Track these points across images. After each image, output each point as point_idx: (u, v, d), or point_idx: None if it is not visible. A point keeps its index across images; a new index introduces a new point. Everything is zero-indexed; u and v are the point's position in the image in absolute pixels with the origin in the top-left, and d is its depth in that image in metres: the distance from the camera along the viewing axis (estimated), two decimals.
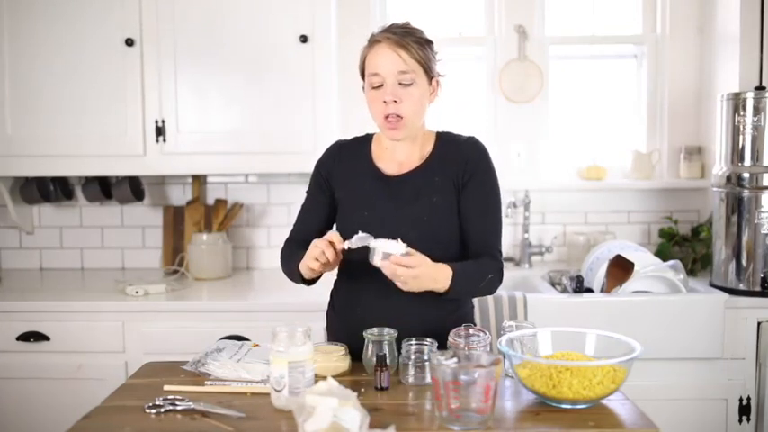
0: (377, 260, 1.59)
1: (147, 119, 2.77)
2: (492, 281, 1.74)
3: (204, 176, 3.15)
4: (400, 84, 1.68)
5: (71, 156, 2.79)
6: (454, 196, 1.76)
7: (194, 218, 3.02)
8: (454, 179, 1.76)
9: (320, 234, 1.76)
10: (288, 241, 1.90)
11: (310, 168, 2.72)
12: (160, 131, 2.77)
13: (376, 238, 1.61)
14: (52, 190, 3.06)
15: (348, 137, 1.93)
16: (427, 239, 1.70)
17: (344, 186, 1.82)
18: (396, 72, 1.68)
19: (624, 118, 3.27)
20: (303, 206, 1.90)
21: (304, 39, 2.72)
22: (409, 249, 1.59)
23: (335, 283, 1.92)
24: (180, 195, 3.17)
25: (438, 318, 1.76)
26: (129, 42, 2.73)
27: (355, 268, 1.77)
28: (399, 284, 1.61)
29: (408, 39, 1.69)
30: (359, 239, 1.62)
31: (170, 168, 2.82)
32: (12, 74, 2.77)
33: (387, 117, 1.70)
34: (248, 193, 3.17)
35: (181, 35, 2.74)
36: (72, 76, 2.76)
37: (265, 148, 2.77)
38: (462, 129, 1.91)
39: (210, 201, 3.15)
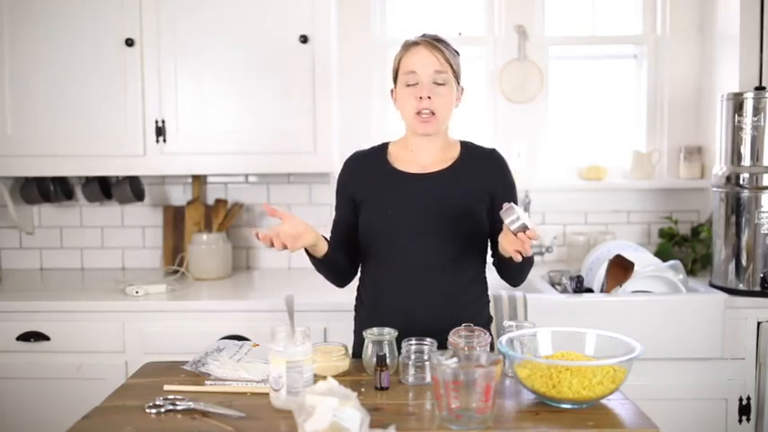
0: (514, 227, 1.60)
1: (147, 119, 2.77)
2: (532, 264, 1.87)
3: (204, 176, 3.15)
4: (435, 83, 1.79)
5: (71, 156, 2.79)
6: (480, 202, 1.85)
7: (194, 218, 3.02)
8: (485, 188, 1.86)
9: (351, 238, 1.90)
10: None
11: (310, 168, 2.77)
12: (160, 131, 2.77)
13: (410, 232, 1.79)
14: (52, 190, 3.06)
15: (365, 146, 2.00)
16: (450, 237, 1.81)
17: (365, 190, 1.88)
18: (432, 72, 1.78)
19: (624, 118, 3.27)
20: (334, 220, 1.96)
21: (304, 39, 2.72)
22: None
23: (360, 281, 1.96)
24: (180, 195, 3.17)
25: (452, 313, 1.81)
26: (129, 42, 2.73)
27: (379, 267, 1.86)
28: (517, 254, 1.64)
29: (442, 44, 1.82)
30: (506, 212, 1.61)
31: (170, 168, 2.82)
32: (12, 74, 2.76)
33: (419, 113, 1.79)
34: (248, 193, 3.17)
35: (181, 35, 2.74)
36: (72, 76, 2.76)
37: (265, 148, 2.77)
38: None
39: (210, 201, 3.15)
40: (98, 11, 2.73)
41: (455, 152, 1.90)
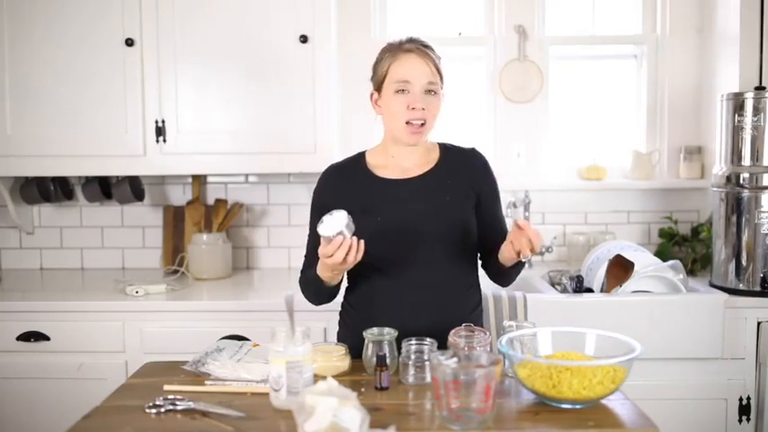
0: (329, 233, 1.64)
1: (147, 119, 2.77)
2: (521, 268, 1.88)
3: (204, 176, 3.15)
4: (427, 92, 1.78)
5: (71, 156, 2.79)
6: (468, 200, 1.85)
7: (194, 218, 3.02)
8: (470, 185, 1.86)
9: None
10: (302, 272, 1.94)
11: (310, 168, 2.76)
12: (160, 131, 2.77)
13: (401, 236, 1.78)
14: (52, 190, 3.06)
15: (340, 158, 2.00)
16: (443, 235, 1.80)
17: (350, 200, 1.83)
18: (426, 81, 1.78)
19: (624, 118, 3.27)
20: (310, 236, 1.93)
21: (304, 39, 2.72)
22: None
23: (346, 290, 1.96)
24: (180, 195, 3.17)
25: (451, 317, 1.79)
26: (129, 42, 2.73)
27: (368, 271, 1.83)
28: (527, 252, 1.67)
29: (430, 51, 1.82)
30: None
31: (170, 168, 2.82)
32: (12, 74, 2.76)
33: (409, 122, 1.78)
34: (248, 193, 3.17)
35: (181, 35, 2.74)
36: (72, 75, 2.76)
37: (265, 148, 2.77)
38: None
39: (210, 201, 3.15)
40: (98, 11, 2.73)
41: (435, 155, 1.90)
